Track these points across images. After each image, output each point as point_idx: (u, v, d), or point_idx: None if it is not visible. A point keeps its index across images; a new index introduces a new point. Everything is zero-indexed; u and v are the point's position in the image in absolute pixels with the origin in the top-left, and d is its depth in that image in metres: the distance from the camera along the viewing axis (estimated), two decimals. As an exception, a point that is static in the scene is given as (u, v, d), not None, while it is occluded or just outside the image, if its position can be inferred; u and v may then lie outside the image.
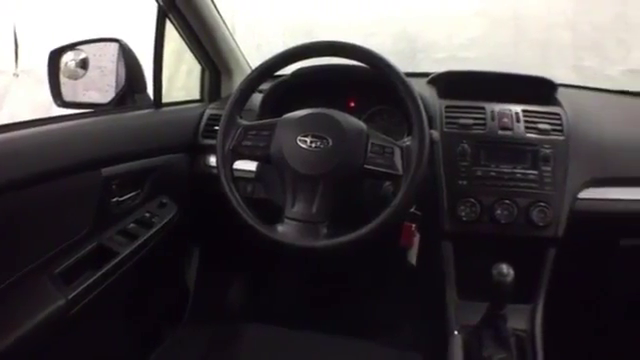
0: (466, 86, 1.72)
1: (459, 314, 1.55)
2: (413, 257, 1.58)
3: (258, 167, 1.72)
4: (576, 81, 2.13)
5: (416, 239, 1.56)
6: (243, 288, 2.25)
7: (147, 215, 1.69)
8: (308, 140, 1.34)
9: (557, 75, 1.80)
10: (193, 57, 1.97)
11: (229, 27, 1.98)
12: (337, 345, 1.76)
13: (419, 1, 3.80)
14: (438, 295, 1.61)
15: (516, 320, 1.50)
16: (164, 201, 1.76)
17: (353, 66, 1.43)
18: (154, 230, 1.66)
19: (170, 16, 1.75)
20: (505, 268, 1.33)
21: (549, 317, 1.57)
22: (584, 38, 3.73)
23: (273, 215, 1.35)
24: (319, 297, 2.19)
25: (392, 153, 1.34)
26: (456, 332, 1.48)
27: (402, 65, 1.38)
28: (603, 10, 3.74)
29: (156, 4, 1.72)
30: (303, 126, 1.36)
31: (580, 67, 3.66)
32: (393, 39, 3.78)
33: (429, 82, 1.78)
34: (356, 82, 1.67)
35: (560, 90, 1.74)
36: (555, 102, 1.69)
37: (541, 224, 1.55)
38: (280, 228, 1.33)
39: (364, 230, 1.29)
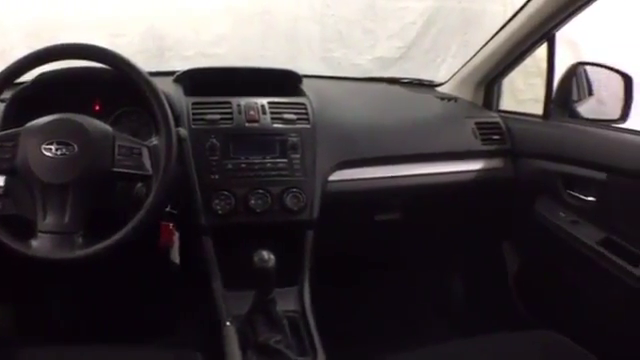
0: (212, 82, 1.80)
1: (229, 305, 1.59)
2: (176, 256, 1.61)
3: (6, 181, 1.61)
4: (325, 72, 2.33)
5: (176, 237, 1.59)
6: (11, 311, 2.14)
7: None
8: (53, 148, 1.31)
9: (306, 67, 1.96)
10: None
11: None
12: (114, 355, 1.75)
13: (166, -1, 3.82)
14: (206, 289, 1.66)
15: (285, 302, 1.59)
16: None
17: (95, 68, 1.43)
18: None
19: None
20: (266, 254, 1.41)
21: (320, 293, 1.70)
22: (333, 30, 4.02)
23: (28, 231, 1.32)
24: (92, 309, 2.14)
25: (140, 154, 1.37)
26: (228, 323, 1.52)
27: (151, 64, 1.41)
28: (351, 3, 4.08)
29: None
30: (47, 133, 1.33)
31: (329, 58, 3.94)
32: (141, 38, 3.74)
33: (175, 80, 1.82)
34: (100, 84, 1.65)
35: (306, 81, 1.89)
36: (300, 93, 1.84)
37: (295, 209, 1.66)
38: (34, 243, 1.30)
39: (119, 235, 1.31)
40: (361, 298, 2.24)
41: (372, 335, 2.02)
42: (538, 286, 2.10)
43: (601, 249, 1.72)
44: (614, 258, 1.67)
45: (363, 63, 4.00)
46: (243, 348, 1.47)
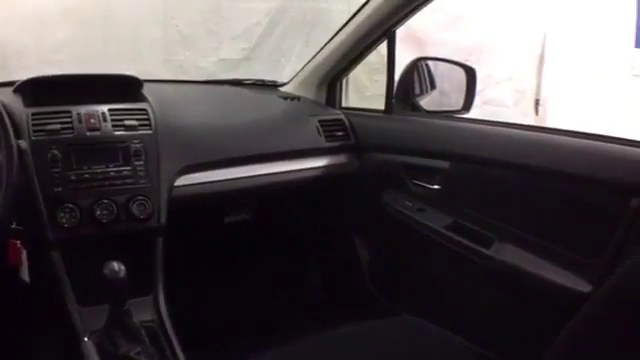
0: (52, 91, 1.75)
1: (85, 320, 1.58)
2: (25, 274, 1.58)
3: None
4: (169, 75, 2.33)
5: (24, 255, 1.56)
6: None
7: None
8: None
9: (149, 71, 1.95)
10: None
11: None
12: None
13: (3, 4, 3.64)
14: (60, 306, 1.63)
15: (142, 312, 1.60)
16: None
17: None
18: None
19: None
20: (116, 265, 1.41)
21: (177, 300, 1.71)
22: (176, 33, 4.00)
23: None
24: None
25: None
26: (86, 338, 1.52)
27: None
28: (194, 5, 4.07)
29: None
30: None
31: (172, 61, 3.90)
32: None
33: (15, 91, 1.77)
34: None
35: (147, 86, 1.88)
36: (142, 98, 1.83)
37: (142, 217, 1.66)
38: None
39: None
40: (219, 300, 2.27)
41: (233, 336, 2.04)
42: (392, 274, 2.20)
43: (450, 233, 1.84)
44: (463, 241, 1.79)
45: (207, 65, 4.00)
46: (103, 362, 1.46)
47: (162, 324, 1.64)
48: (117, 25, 3.88)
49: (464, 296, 1.87)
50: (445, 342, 1.44)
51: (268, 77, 2.54)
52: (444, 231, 1.85)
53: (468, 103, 2.15)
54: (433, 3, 1.85)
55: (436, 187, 1.94)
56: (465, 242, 1.79)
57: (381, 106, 2.16)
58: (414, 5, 1.89)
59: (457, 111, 2.16)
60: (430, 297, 1.98)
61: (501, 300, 1.75)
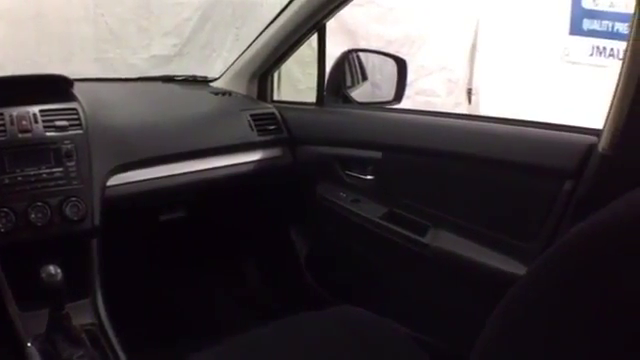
0: None
1: (27, 325, 1.56)
2: None
3: None
4: (100, 73, 2.29)
5: None
6: None
7: None
8: None
9: (80, 70, 1.92)
10: None
11: None
12: None
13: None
14: (2, 312, 1.61)
15: (81, 316, 1.60)
16: None
17: None
18: None
19: None
20: (52, 269, 1.39)
21: (117, 301, 1.70)
22: (106, 30, 3.96)
23: None
24: None
25: None
26: (29, 344, 1.51)
27: None
28: (124, 1, 4.03)
29: None
30: None
31: (103, 59, 3.87)
32: None
33: None
34: None
35: (78, 85, 1.85)
36: (72, 98, 1.80)
37: (76, 218, 1.64)
38: None
39: None
40: (160, 300, 2.26)
41: (175, 335, 2.03)
42: (329, 265, 2.23)
43: (385, 223, 1.86)
44: (399, 229, 1.82)
45: (138, 63, 3.97)
46: (48, 367, 1.45)
47: (102, 326, 1.63)
48: (48, 24, 3.83)
49: (402, 284, 1.90)
50: (385, 329, 1.46)
51: (200, 73, 2.53)
52: (379, 220, 1.88)
53: (399, 94, 2.17)
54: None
55: (370, 177, 1.97)
56: (401, 230, 1.82)
57: (314, 100, 2.17)
58: (343, -2, 1.90)
59: (388, 102, 2.18)
60: (368, 286, 2.00)
61: (438, 286, 1.79)
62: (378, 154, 1.92)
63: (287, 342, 1.41)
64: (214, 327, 2.10)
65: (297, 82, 3.74)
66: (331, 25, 2.07)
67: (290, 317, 1.48)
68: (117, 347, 1.57)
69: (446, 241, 1.73)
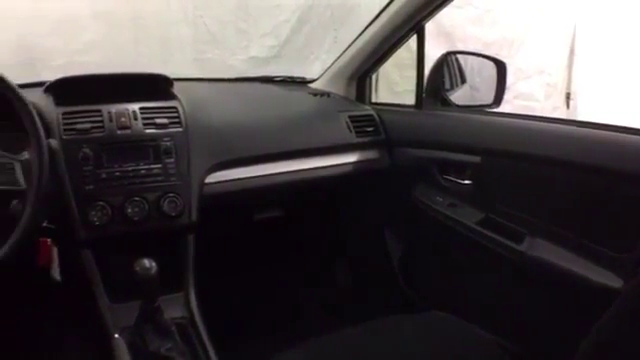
0: (82, 91, 1.77)
1: (116, 317, 1.60)
2: (56, 272, 1.60)
3: None
4: (199, 74, 2.32)
5: (55, 253, 1.59)
6: None
7: None
8: None
9: (179, 70, 1.95)
10: None
11: None
12: None
13: (33, 6, 3.68)
14: (91, 304, 1.64)
15: (173, 309, 1.62)
16: None
17: None
18: None
19: None
20: (147, 262, 1.42)
21: (207, 296, 1.72)
22: (205, 32, 4.02)
23: None
24: None
25: (13, 168, 1.36)
26: (117, 335, 1.54)
27: (22, 76, 1.39)
28: (223, 3, 4.08)
29: None
30: None
31: (202, 60, 3.93)
32: (10, 50, 3.61)
33: (45, 91, 1.78)
34: None
35: (177, 84, 1.89)
36: (172, 96, 1.84)
37: (173, 214, 1.68)
38: None
39: None
40: (249, 297, 2.29)
41: (263, 333, 2.05)
42: (424, 270, 2.20)
43: (481, 229, 1.82)
44: (495, 236, 1.77)
45: (237, 64, 4.03)
46: (134, 359, 1.48)
47: (193, 320, 1.65)
48: (147, 26, 3.92)
49: (495, 292, 1.86)
50: (475, 338, 1.44)
51: (297, 74, 2.54)
52: (475, 226, 1.84)
53: (499, 97, 2.13)
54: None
55: (467, 182, 1.93)
56: (496, 237, 1.78)
57: (411, 102, 2.15)
58: (443, -1, 1.87)
59: (488, 105, 2.14)
60: (461, 293, 1.97)
61: (532, 296, 1.74)
62: (476, 158, 1.88)
63: (374, 345, 1.40)
64: (302, 327, 2.11)
65: (394, 85, 3.70)
66: (428, 27, 2.04)
67: (379, 320, 1.47)
68: (207, 342, 1.59)
69: (541, 250, 1.67)
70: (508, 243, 1.74)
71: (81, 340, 1.99)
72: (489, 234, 1.80)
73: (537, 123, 1.84)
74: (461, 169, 1.94)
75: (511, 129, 1.88)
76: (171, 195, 1.69)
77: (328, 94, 2.25)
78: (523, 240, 1.71)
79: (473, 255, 1.90)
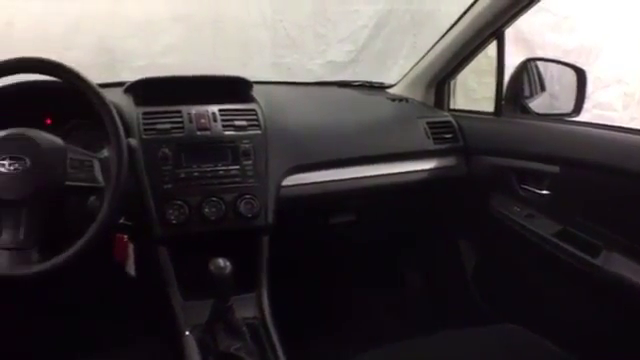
0: (162, 92, 1.81)
1: (188, 314, 1.63)
2: (131, 268, 1.64)
3: None
4: (277, 78, 2.35)
5: (131, 249, 1.62)
6: None
7: None
8: (6, 163, 1.33)
9: (258, 74, 1.97)
10: None
11: None
12: None
13: (114, 9, 3.79)
14: (164, 300, 1.69)
15: (245, 309, 1.63)
16: None
17: (46, 82, 1.45)
18: None
19: None
20: (222, 262, 1.44)
21: (278, 298, 1.74)
22: (283, 36, 4.06)
23: None
24: (47, 325, 2.13)
25: (92, 166, 1.41)
26: (187, 332, 1.56)
27: (102, 76, 1.43)
28: (301, 8, 4.12)
29: None
30: None
31: (281, 64, 3.98)
32: (91, 51, 3.72)
33: (125, 91, 1.83)
34: (51, 98, 1.64)
35: (256, 87, 1.92)
36: (251, 99, 1.87)
37: (250, 215, 1.70)
38: None
39: (75, 248, 1.32)
40: (319, 300, 2.30)
41: (332, 337, 2.07)
42: (497, 281, 2.17)
43: (558, 241, 1.78)
44: (571, 249, 1.74)
45: (315, 68, 4.07)
46: (204, 357, 1.50)
47: (264, 322, 1.67)
48: (226, 29, 3.98)
49: (568, 305, 1.83)
50: (545, 352, 1.41)
51: (375, 79, 2.54)
52: (552, 238, 1.80)
53: (578, 106, 2.07)
54: (540, 3, 1.80)
55: (545, 192, 1.89)
56: (573, 250, 1.74)
57: (489, 109, 2.12)
58: (524, 4, 1.85)
59: (567, 114, 2.09)
60: (534, 306, 1.94)
61: (605, 311, 1.71)
62: (555, 168, 1.84)
63: (441, 354, 1.39)
64: (371, 332, 2.10)
65: (472, 91, 3.66)
66: (506, 33, 2.01)
67: (451, 331, 1.47)
68: (277, 343, 1.60)
69: (618, 264, 1.63)
70: (584, 257, 1.70)
71: (152, 336, 2.02)
72: (565, 247, 1.76)
73: (617, 134, 1.79)
74: (539, 179, 1.90)
75: (591, 139, 1.83)
76: (248, 197, 1.71)
77: (406, 99, 2.24)
78: (599, 254, 1.67)
79: (548, 268, 1.87)
